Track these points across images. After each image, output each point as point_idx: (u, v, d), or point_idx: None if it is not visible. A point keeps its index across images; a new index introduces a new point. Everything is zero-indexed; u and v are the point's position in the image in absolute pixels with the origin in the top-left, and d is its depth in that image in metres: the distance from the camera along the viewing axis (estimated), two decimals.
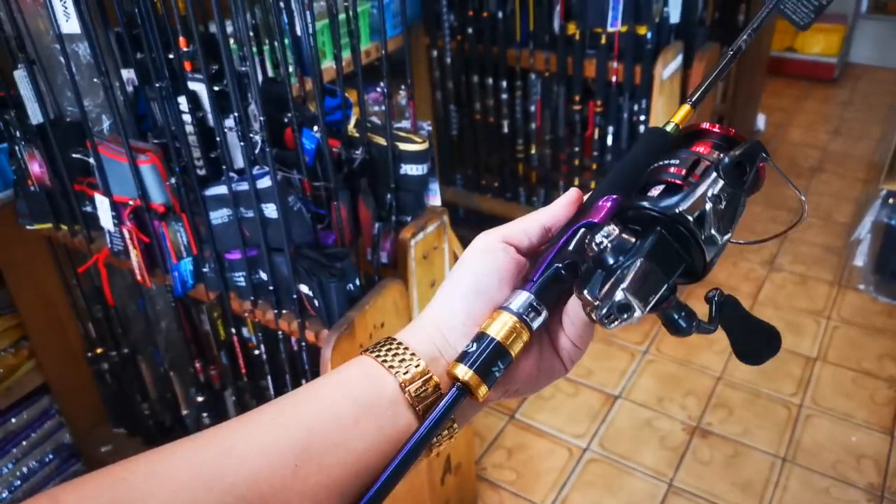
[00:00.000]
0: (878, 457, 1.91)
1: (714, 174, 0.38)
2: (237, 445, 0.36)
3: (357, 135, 1.33)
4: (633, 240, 0.38)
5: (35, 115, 1.30)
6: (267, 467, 0.35)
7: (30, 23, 1.27)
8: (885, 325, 2.37)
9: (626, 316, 0.36)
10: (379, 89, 1.91)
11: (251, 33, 1.41)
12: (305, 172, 1.19)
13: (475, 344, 0.40)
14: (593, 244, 0.38)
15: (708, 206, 0.37)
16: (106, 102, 1.29)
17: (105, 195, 1.27)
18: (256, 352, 1.35)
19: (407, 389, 0.39)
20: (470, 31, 2.26)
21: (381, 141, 1.33)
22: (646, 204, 0.38)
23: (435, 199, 1.38)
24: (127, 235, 1.26)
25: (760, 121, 3.67)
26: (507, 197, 2.54)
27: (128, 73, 1.32)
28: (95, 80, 1.29)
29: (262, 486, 0.35)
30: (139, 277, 1.29)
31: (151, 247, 1.27)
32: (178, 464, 0.35)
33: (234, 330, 1.32)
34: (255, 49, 1.40)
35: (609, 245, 0.37)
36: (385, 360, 0.40)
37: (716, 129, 0.42)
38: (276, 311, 1.21)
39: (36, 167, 1.36)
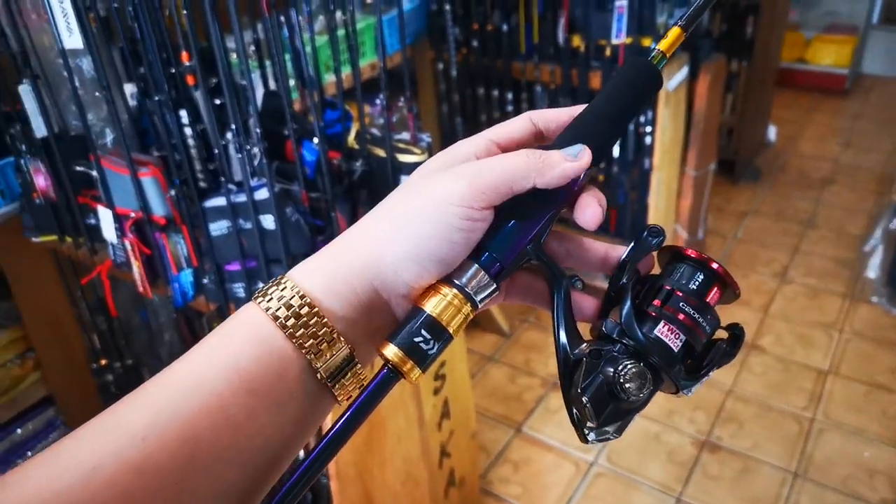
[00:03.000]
0: (891, 472, 1.87)
1: (717, 367, 0.38)
2: (104, 466, 0.28)
3: (357, 147, 1.34)
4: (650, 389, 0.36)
5: (39, 129, 1.32)
6: (142, 489, 0.28)
7: (35, 38, 1.29)
8: None
9: (604, 439, 0.37)
10: (378, 101, 1.93)
11: (253, 48, 1.43)
12: (306, 184, 1.20)
13: (412, 321, 0.34)
14: (621, 379, 0.35)
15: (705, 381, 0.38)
16: (109, 116, 1.31)
17: (108, 207, 1.28)
18: None
19: (320, 372, 0.33)
20: (475, 43, 2.27)
21: (381, 153, 1.33)
22: (674, 378, 0.36)
23: None
24: (129, 247, 1.27)
25: (771, 132, 3.65)
26: None
27: (132, 88, 1.33)
28: (98, 94, 1.31)
29: None
30: (141, 289, 1.30)
31: (153, 258, 1.28)
32: (30, 496, 0.27)
33: None
34: (256, 63, 1.42)
35: (635, 394, 0.35)
36: (296, 337, 0.32)
37: (729, 280, 0.38)
38: None
39: (41, 180, 1.38)
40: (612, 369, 0.35)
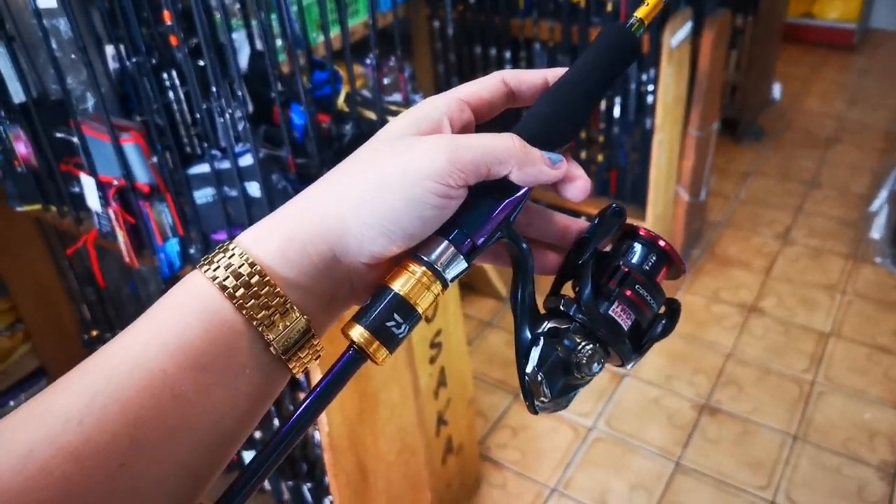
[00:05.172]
0: (891, 434, 1.86)
1: (657, 341, 0.40)
2: (39, 451, 0.26)
3: (347, 109, 1.29)
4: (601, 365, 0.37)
5: (17, 94, 1.27)
6: (80, 474, 0.27)
7: None
8: None
9: (552, 411, 0.38)
10: (368, 61, 1.87)
11: (237, 6, 1.37)
12: (294, 149, 1.16)
13: (380, 301, 0.33)
14: (577, 359, 0.36)
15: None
16: (89, 80, 1.26)
17: (91, 175, 1.24)
18: None
19: (273, 345, 0.31)
20: (472, 0, 2.19)
21: (373, 116, 1.29)
22: (622, 353, 0.38)
23: None
24: (113, 216, 1.23)
25: (776, 90, 3.58)
26: None
27: (113, 50, 1.28)
28: (73, 56, 1.26)
29: (75, 495, 0.27)
30: (127, 259, 1.26)
31: (138, 227, 1.24)
32: None
33: None
34: (242, 22, 1.36)
35: (588, 371, 0.36)
36: (246, 308, 0.30)
37: (675, 259, 0.39)
38: None
39: (22, 147, 1.34)
40: (569, 349, 0.36)
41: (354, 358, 0.33)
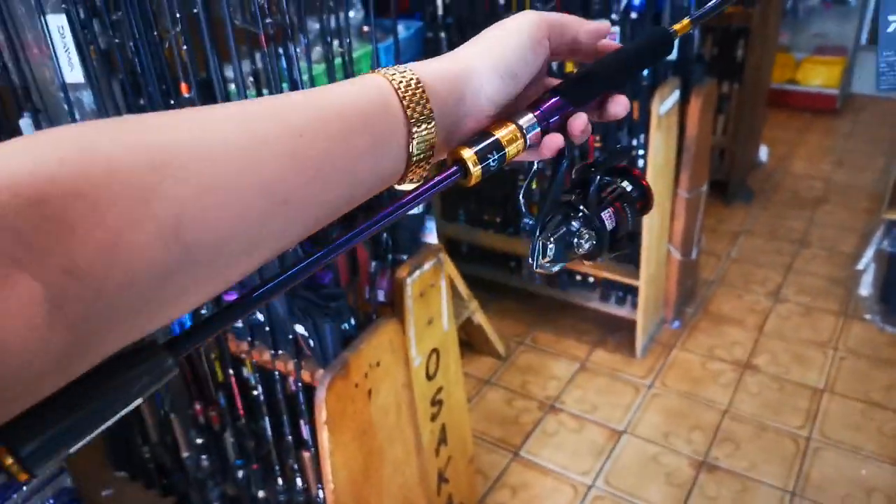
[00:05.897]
0: (888, 490, 1.88)
1: (621, 251, 0.54)
2: (269, 141, 0.35)
3: None
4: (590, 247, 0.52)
5: None
6: (293, 171, 0.35)
7: (36, 72, 1.31)
8: (893, 356, 2.35)
9: (545, 271, 0.51)
10: None
11: (251, 78, 1.46)
12: None
13: (482, 137, 0.44)
14: (578, 237, 0.51)
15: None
16: None
17: None
18: (255, 392, 1.36)
19: (413, 143, 0.41)
20: None
21: None
22: (601, 243, 0.52)
23: (431, 236, 1.39)
24: None
25: (763, 153, 3.69)
26: (509, 232, 2.56)
27: None
28: None
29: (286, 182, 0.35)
30: None
31: None
32: (185, 139, 0.33)
33: (231, 371, 1.33)
34: (255, 93, 1.44)
35: (582, 248, 0.51)
36: (409, 107, 0.41)
37: (650, 196, 0.55)
38: (272, 351, 1.21)
39: None
40: (574, 230, 0.51)
41: (455, 172, 0.43)
